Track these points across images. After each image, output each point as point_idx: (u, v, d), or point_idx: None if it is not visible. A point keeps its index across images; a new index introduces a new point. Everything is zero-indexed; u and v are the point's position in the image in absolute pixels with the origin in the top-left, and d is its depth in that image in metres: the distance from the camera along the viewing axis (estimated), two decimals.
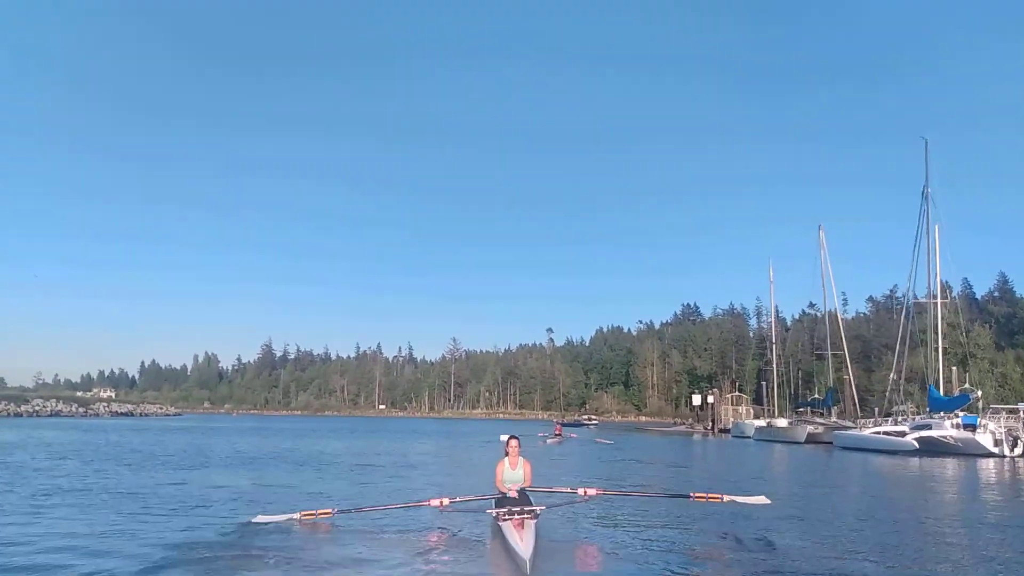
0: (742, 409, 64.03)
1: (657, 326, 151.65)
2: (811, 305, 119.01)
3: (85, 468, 16.50)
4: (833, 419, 38.02)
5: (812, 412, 42.93)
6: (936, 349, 32.16)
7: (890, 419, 38.16)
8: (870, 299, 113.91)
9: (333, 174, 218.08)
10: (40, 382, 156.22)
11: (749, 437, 44.80)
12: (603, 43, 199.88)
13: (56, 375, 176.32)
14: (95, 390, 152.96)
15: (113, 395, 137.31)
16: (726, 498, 8.34)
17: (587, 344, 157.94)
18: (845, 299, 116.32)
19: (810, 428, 36.03)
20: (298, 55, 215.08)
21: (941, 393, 31.19)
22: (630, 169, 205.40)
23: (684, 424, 77.06)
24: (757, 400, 75.06)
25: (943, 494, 15.04)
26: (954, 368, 35.77)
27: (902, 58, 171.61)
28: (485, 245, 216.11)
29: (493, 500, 8.09)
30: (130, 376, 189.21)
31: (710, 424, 63.43)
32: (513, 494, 7.72)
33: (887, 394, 39.18)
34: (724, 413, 63.17)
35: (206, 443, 28.69)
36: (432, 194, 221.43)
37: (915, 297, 33.86)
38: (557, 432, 37.59)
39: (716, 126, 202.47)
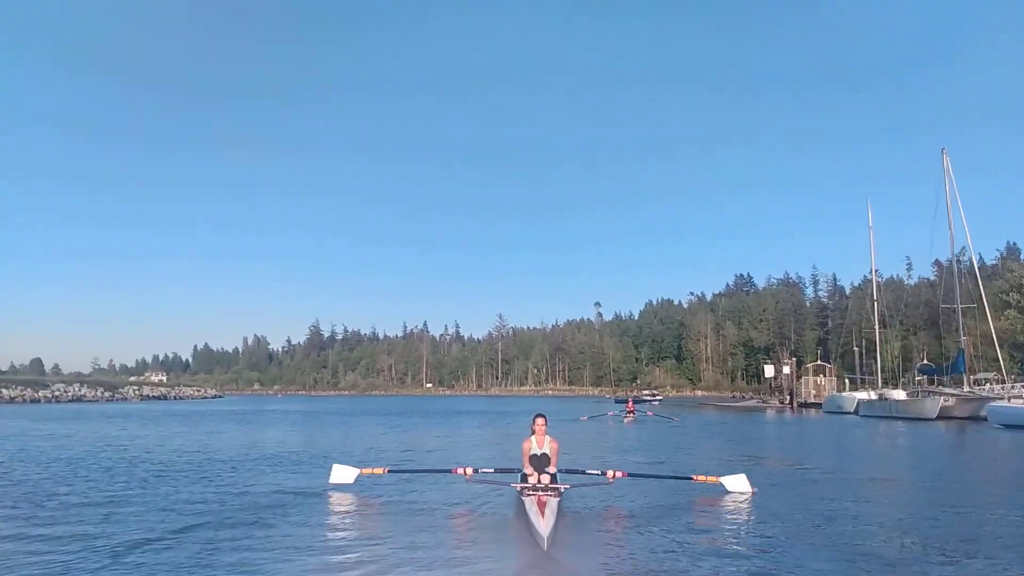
0: (823, 380, 57.66)
1: (709, 298, 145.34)
2: (875, 272, 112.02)
3: None
4: (966, 388, 31.59)
5: (928, 381, 36.68)
6: None
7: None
8: (936, 263, 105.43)
9: (381, 150, 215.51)
10: (96, 367, 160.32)
11: (850, 413, 38.74)
12: None
13: (111, 360, 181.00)
14: (147, 374, 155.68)
15: (165, 378, 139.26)
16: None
17: (636, 318, 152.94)
18: (909, 263, 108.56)
19: (942, 400, 29.76)
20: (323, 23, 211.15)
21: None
22: (670, 118, 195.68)
23: (754, 398, 71.24)
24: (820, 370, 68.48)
25: None
26: None
27: None
28: (530, 219, 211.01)
29: (519, 474, 8.00)
30: (183, 360, 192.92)
31: (787, 398, 57.62)
32: (539, 481, 7.46)
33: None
34: (804, 385, 56.94)
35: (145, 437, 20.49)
36: (476, 169, 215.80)
37: None
38: (630, 410, 32.59)
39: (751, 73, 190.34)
